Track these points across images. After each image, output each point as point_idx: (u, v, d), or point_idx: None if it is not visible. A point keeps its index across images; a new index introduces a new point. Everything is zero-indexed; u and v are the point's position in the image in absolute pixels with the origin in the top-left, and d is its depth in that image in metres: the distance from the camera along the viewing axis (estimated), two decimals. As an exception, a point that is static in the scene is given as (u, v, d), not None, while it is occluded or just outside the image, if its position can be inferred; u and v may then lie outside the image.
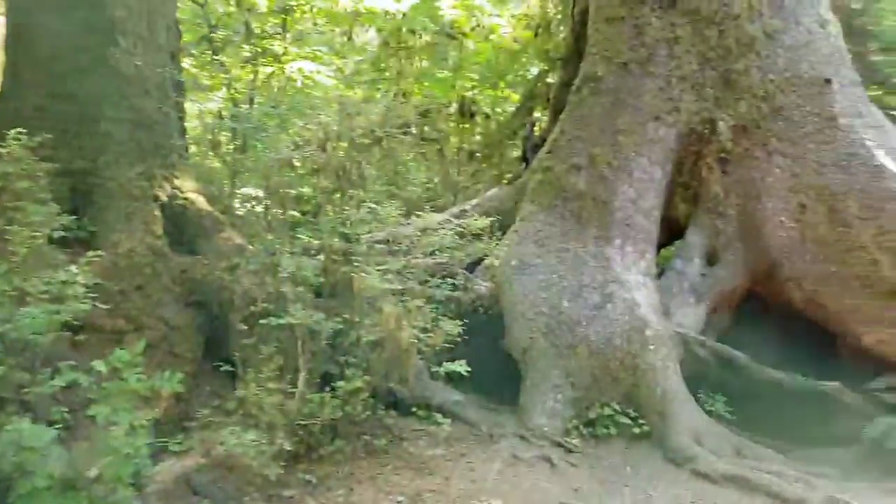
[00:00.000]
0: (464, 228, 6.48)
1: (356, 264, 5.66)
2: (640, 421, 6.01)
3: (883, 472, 5.52)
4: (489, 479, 5.04)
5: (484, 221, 6.67)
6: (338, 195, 6.38)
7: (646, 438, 5.94)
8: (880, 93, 9.17)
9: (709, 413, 6.35)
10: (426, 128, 9.36)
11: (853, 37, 8.41)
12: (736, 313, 7.31)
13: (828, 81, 6.99)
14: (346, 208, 6.04)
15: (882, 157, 6.66)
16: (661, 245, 7.36)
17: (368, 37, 12.39)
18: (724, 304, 7.10)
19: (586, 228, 6.77)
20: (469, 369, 5.41)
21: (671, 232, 7.34)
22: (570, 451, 5.74)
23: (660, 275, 7.01)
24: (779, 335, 7.22)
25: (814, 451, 6.10)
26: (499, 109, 11.80)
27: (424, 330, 5.49)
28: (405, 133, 8.71)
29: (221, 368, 5.59)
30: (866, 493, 5.07)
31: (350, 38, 12.25)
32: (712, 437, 5.92)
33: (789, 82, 7.04)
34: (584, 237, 6.73)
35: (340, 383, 5.17)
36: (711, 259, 7.03)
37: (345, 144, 7.00)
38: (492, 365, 6.54)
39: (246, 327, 5.39)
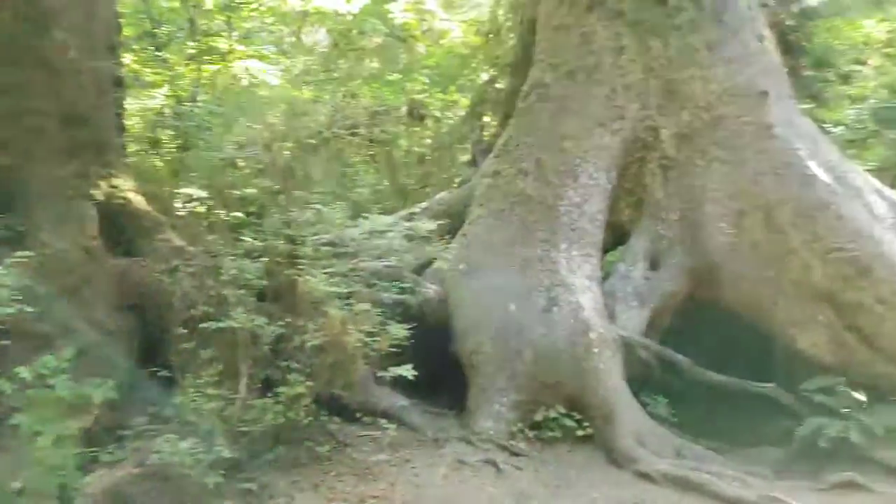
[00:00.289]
0: (412, 231, 6.46)
1: (301, 267, 5.58)
2: (585, 423, 6.10)
3: (813, 469, 5.75)
4: (434, 484, 5.04)
5: (432, 225, 6.66)
6: (283, 196, 6.29)
7: (590, 441, 6.05)
8: (812, 106, 9.58)
9: (651, 415, 6.49)
10: (375, 130, 9.32)
11: (787, 52, 8.78)
12: (678, 316, 7.50)
13: (764, 94, 7.27)
14: (292, 210, 5.95)
15: (814, 168, 6.96)
16: (606, 249, 7.51)
17: (317, 37, 12.28)
18: (667, 307, 7.28)
19: (534, 232, 6.85)
20: (416, 374, 5.41)
21: (616, 236, 7.50)
22: (515, 454, 5.79)
23: (604, 279, 7.15)
24: (719, 338, 7.49)
25: (750, 451, 6.32)
26: (449, 113, 11.84)
27: (371, 334, 5.45)
28: (353, 134, 8.68)
29: (158, 374, 5.42)
30: (797, 490, 5.27)
31: (299, 38, 12.11)
32: (654, 438, 6.06)
33: (728, 93, 7.30)
34: (532, 241, 6.81)
35: (283, 389, 5.08)
36: (654, 263, 7.20)
37: (291, 145, 6.92)
38: (439, 369, 6.57)
39: (185, 331, 5.25)
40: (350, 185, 8.97)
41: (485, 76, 11.74)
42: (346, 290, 5.57)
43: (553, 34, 7.77)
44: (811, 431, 6.02)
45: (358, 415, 5.77)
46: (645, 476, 5.49)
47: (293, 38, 11.99)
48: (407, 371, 5.36)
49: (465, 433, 5.98)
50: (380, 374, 5.58)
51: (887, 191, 7.73)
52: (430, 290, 6.89)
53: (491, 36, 11.31)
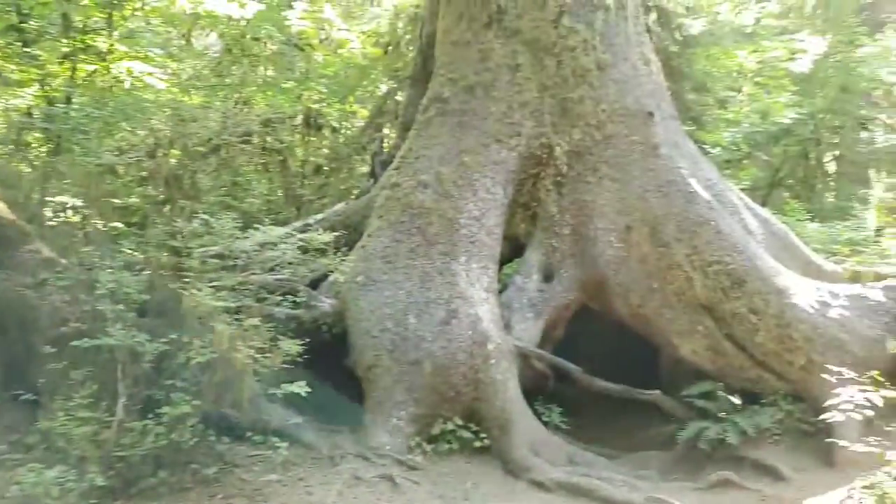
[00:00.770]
0: (307, 243, 6.33)
1: (187, 280, 5.35)
2: (482, 434, 6.21)
3: (694, 470, 6.15)
4: (328, 502, 4.94)
5: (329, 236, 6.52)
6: (168, 206, 6.03)
7: (486, 452, 6.16)
8: (693, 128, 10.33)
9: (545, 424, 6.72)
10: (269, 138, 9.11)
11: (671, 76, 9.42)
12: (572, 326, 7.81)
13: (650, 115, 7.72)
14: (177, 220, 5.70)
15: (695, 186, 7.47)
16: (503, 262, 7.70)
17: (208, 41, 11.88)
18: (561, 317, 7.55)
19: (433, 245, 6.92)
20: (310, 390, 5.29)
21: (512, 249, 7.71)
22: (412, 468, 5.80)
23: (501, 291, 7.33)
24: (610, 347, 7.87)
25: (638, 455, 6.69)
26: (347, 124, 11.79)
27: (261, 350, 5.29)
28: (246, 142, 8.44)
29: (21, 398, 5.00)
30: (680, 491, 5.61)
31: (188, 42, 11.67)
32: (548, 447, 6.27)
33: (618, 113, 7.68)
34: (431, 253, 6.88)
35: (166, 409, 4.83)
36: (548, 276, 7.46)
37: (177, 152, 6.65)
38: (336, 385, 6.49)
39: (53, 350, 4.88)
40: (241, 194, 8.69)
41: (384, 88, 11.82)
42: (235, 305, 5.38)
43: (452, 49, 7.93)
44: (693, 434, 6.44)
45: (248, 434, 5.57)
46: (539, 485, 5.66)
47: (183, 42, 11.53)
48: (300, 388, 5.25)
49: (361, 449, 5.92)
50: (271, 391, 5.42)
51: (759, 208, 8.46)
52: (326, 303, 6.79)
53: (390, 48, 11.40)
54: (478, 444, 6.17)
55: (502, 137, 7.50)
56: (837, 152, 13.77)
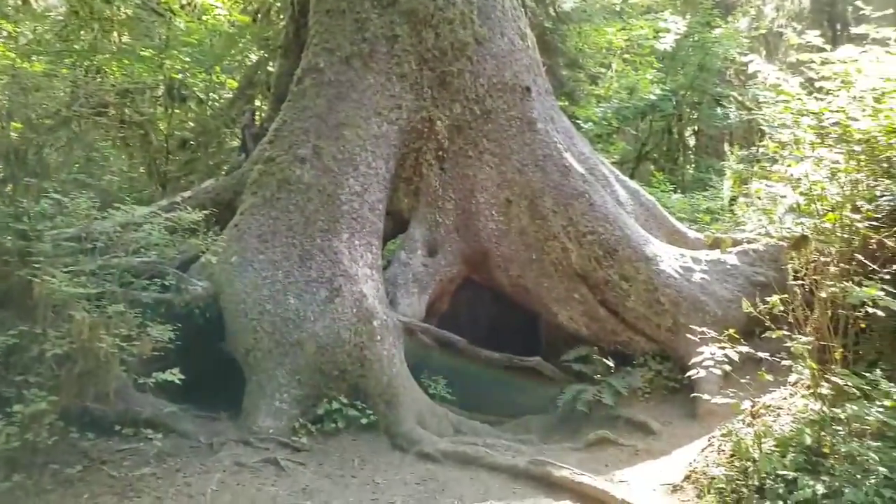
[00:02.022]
0: (175, 223, 6.03)
1: (37, 266, 4.93)
2: (368, 411, 6.24)
3: (574, 430, 6.56)
4: (208, 492, 4.80)
5: (198, 215, 6.23)
6: (10, 185, 5.51)
7: (373, 428, 6.19)
8: (566, 103, 10.80)
9: (431, 396, 6.88)
10: (127, 110, 8.50)
11: (545, 51, 9.76)
12: (455, 299, 8.00)
13: (528, 90, 7.99)
14: (22, 200, 5.23)
15: (570, 159, 7.85)
16: (387, 238, 7.73)
17: (50, 2, 10.86)
18: (445, 291, 7.72)
19: (312, 222, 6.80)
20: (184, 377, 5.11)
21: (395, 225, 7.75)
22: (297, 450, 5.74)
23: (385, 267, 7.36)
24: (493, 318, 8.17)
25: (520, 420, 7.05)
26: (214, 95, 11.26)
27: (128, 338, 5.01)
28: (100, 115, 7.84)
29: None
30: (560, 452, 5.96)
31: (27, 2, 10.60)
32: (434, 418, 6.42)
33: (496, 88, 7.87)
34: (311, 231, 6.76)
35: (18, 407, 4.47)
36: (432, 250, 7.59)
37: (19, 125, 6.07)
38: (213, 371, 6.28)
39: None
40: (98, 171, 8.07)
41: (254, 57, 11.38)
42: (95, 291, 5.04)
43: (327, 18, 7.76)
44: (571, 397, 6.86)
45: (117, 427, 5.28)
46: (427, 456, 5.79)
47: (19, 2, 10.46)
48: (174, 376, 5.04)
49: (243, 434, 5.78)
50: (142, 380, 5.16)
51: (628, 181, 9.03)
52: (198, 286, 6.51)
53: (259, 15, 10.97)
54: (364, 420, 6.20)
55: (382, 110, 7.47)
56: (696, 127, 14.94)
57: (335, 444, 6.03)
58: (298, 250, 6.65)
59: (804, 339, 4.27)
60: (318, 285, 6.47)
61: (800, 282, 4.64)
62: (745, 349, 4.59)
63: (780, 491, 3.89)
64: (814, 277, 4.57)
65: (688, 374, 5.60)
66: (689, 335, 6.08)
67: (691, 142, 15.38)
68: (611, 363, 7.01)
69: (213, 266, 6.61)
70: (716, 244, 8.02)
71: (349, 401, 6.26)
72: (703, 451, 4.98)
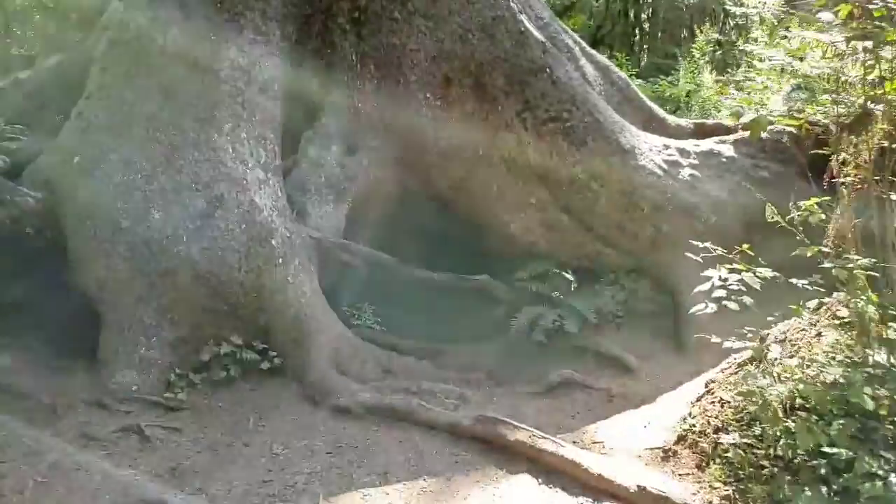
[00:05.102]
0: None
1: None
2: (271, 353, 5.16)
3: (530, 364, 5.56)
4: (29, 485, 3.60)
5: (25, 103, 4.79)
6: None
7: (279, 374, 5.17)
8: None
9: (356, 327, 5.83)
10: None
11: None
12: (388, 208, 6.74)
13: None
14: None
15: (527, 23, 6.47)
16: (292, 132, 6.28)
17: None
18: (372, 198, 6.45)
19: (182, 108, 5.29)
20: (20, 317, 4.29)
21: (302, 114, 6.29)
22: (172, 409, 4.64)
23: (289, 169, 6.00)
24: (432, 232, 6.94)
25: (466, 348, 5.99)
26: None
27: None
28: None
29: None
30: (515, 398, 4.99)
31: None
32: (357, 359, 5.37)
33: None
34: (181, 120, 5.27)
35: None
36: (351, 146, 6.26)
37: None
38: (59, 309, 5.01)
39: None
40: None
41: None
42: None
43: None
44: (527, 323, 5.86)
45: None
46: (345, 410, 4.73)
47: None
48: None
49: (97, 394, 4.62)
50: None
51: (597, 54, 7.69)
52: (30, 198, 5.05)
53: None
54: (266, 365, 5.13)
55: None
56: (652, 10, 14.02)
57: (227, 397, 4.97)
58: (164, 147, 5.17)
59: (861, 259, 3.16)
60: (191, 194, 5.08)
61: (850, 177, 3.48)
62: (766, 272, 3.48)
63: (824, 471, 2.90)
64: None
65: (693, 310, 4.40)
66: (674, 247, 5.07)
67: (646, 26, 14.41)
68: (571, 277, 5.93)
69: (50, 170, 5.18)
70: (702, 131, 6.87)
71: (244, 342, 5.11)
72: (698, 400, 3.98)
